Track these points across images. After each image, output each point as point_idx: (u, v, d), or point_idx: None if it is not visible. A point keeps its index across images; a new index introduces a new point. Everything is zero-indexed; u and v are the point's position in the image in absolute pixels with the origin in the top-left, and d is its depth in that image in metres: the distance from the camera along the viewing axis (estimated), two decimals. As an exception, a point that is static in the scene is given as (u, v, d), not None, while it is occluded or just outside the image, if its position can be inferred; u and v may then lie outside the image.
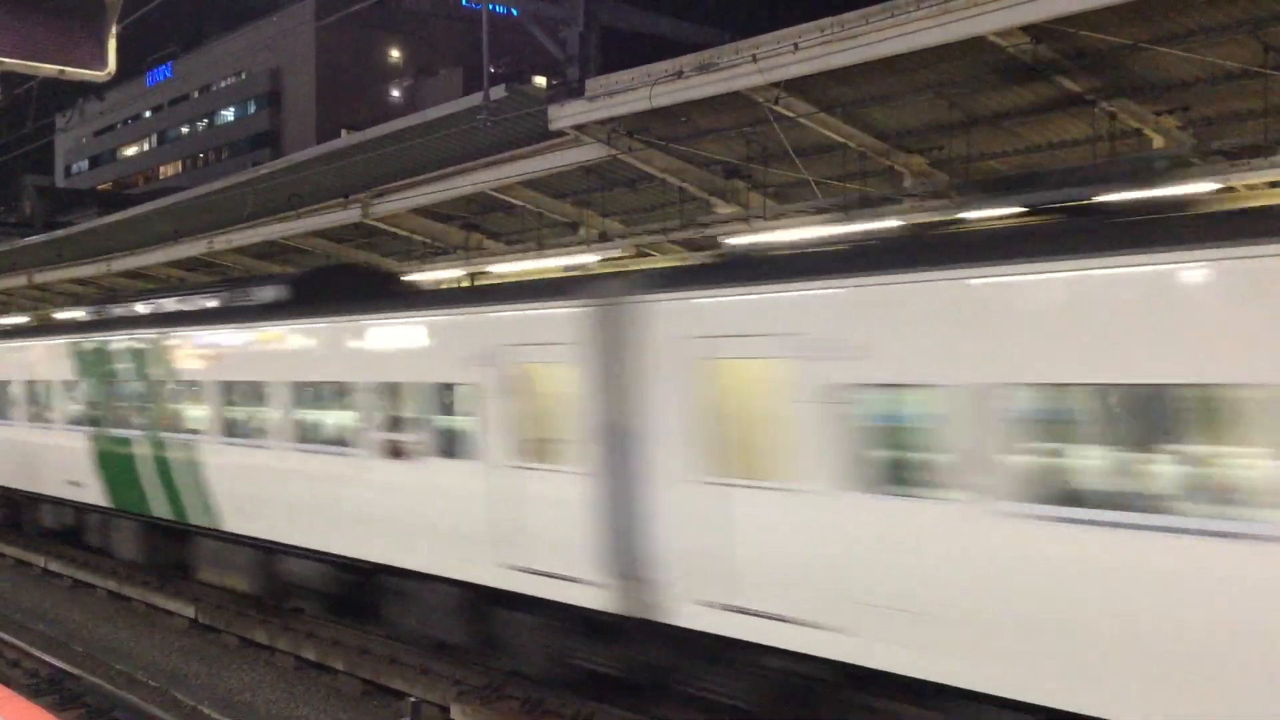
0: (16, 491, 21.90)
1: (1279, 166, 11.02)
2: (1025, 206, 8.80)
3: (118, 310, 19.29)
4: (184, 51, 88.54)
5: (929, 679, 7.89)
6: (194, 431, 15.82)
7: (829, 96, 13.68)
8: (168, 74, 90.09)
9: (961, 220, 12.47)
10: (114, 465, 17.85)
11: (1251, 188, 12.00)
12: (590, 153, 16.22)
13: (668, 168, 16.29)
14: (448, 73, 75.59)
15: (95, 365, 18.35)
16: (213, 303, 16.62)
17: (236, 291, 16.27)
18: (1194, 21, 10.96)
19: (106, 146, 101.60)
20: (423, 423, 11.99)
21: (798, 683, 8.96)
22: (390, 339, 12.53)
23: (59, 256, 31.89)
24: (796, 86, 13.28)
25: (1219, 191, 11.68)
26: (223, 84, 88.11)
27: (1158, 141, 12.63)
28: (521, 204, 19.39)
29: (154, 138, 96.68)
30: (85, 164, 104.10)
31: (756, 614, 8.87)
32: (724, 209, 16.60)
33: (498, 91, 15.96)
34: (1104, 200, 8.24)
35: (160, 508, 16.79)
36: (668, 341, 9.58)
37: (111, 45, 5.71)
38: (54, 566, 20.55)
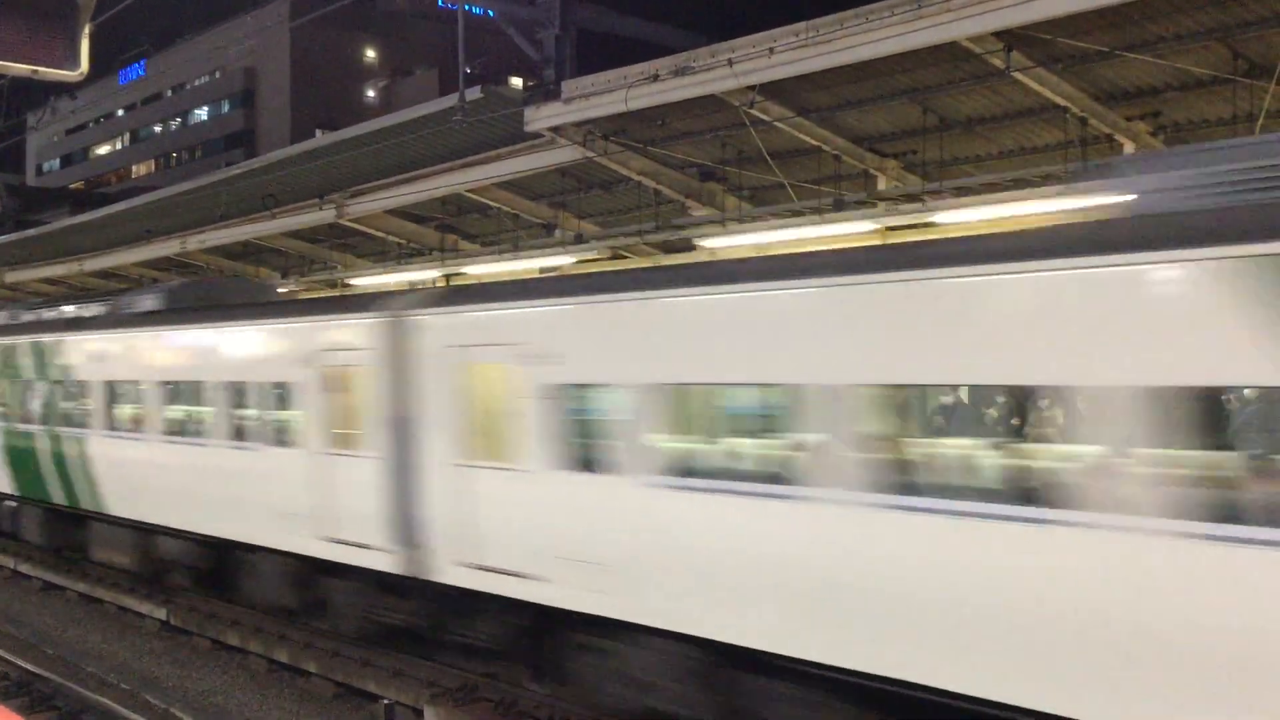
0: None
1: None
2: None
3: None
4: (157, 50, 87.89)
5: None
6: None
7: (804, 100, 13.74)
8: (141, 72, 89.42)
9: (932, 224, 12.69)
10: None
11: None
12: (566, 155, 16.24)
13: (643, 170, 16.32)
14: (423, 73, 75.44)
15: None
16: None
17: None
18: (1164, 28, 11.08)
19: (79, 145, 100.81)
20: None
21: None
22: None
23: (30, 256, 31.66)
24: (772, 90, 13.34)
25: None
26: (197, 83, 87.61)
27: (1129, 147, 12.75)
28: (497, 205, 19.38)
29: (127, 136, 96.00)
30: (57, 163, 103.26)
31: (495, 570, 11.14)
32: (699, 211, 16.64)
33: (473, 93, 15.95)
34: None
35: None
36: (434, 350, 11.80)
37: (84, 45, 5.69)
38: (24, 568, 20.39)
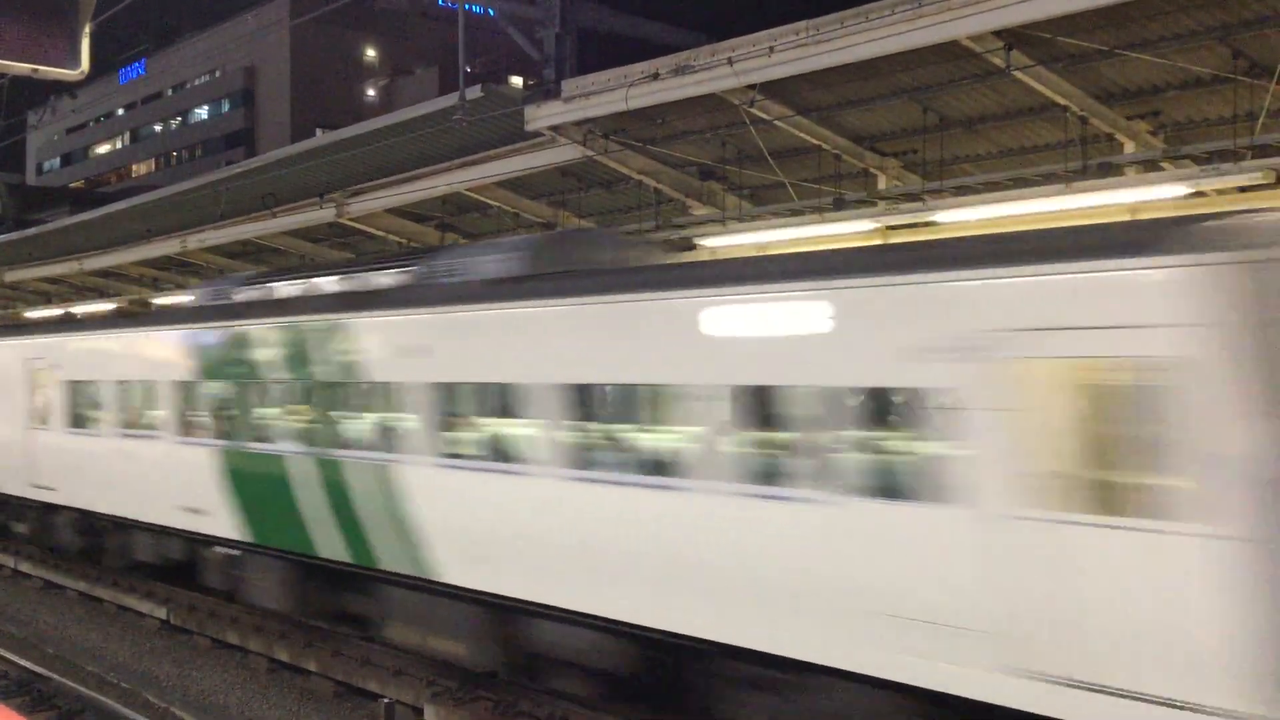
0: None
1: (1248, 172, 11.13)
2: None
3: None
4: (157, 49, 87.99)
5: None
6: None
7: (804, 99, 13.74)
8: (141, 71, 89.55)
9: (932, 223, 12.66)
10: None
11: (1221, 193, 12.13)
12: (566, 154, 16.23)
13: (643, 169, 16.32)
14: (424, 72, 75.46)
15: None
16: None
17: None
18: (1165, 27, 11.08)
19: (79, 144, 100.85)
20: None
21: None
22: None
23: (30, 255, 31.66)
24: (772, 89, 13.33)
25: (1188, 196, 11.81)
26: (196, 82, 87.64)
27: (1129, 146, 12.75)
28: (497, 205, 19.38)
29: (127, 136, 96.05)
30: (57, 162, 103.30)
31: None
32: (699, 210, 16.64)
33: (473, 92, 15.94)
34: None
35: None
36: None
37: (85, 44, 5.69)
38: (25, 568, 20.38)
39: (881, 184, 14.81)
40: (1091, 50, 11.42)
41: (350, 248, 23.75)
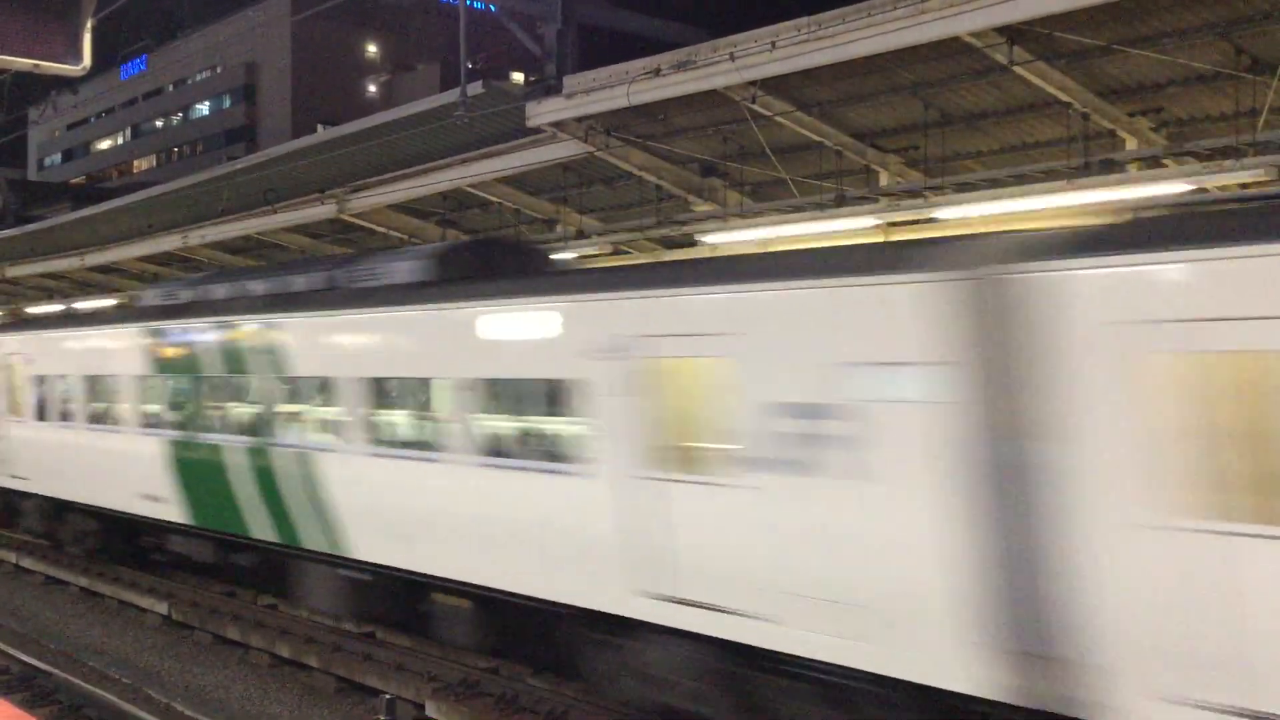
0: None
1: (1250, 168, 11.12)
2: None
3: None
4: (159, 44, 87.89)
5: None
6: None
7: (806, 95, 13.73)
8: (142, 67, 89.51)
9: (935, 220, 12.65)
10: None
11: (1224, 189, 12.11)
12: (567, 150, 16.23)
13: (645, 165, 16.31)
14: (425, 68, 75.48)
15: None
16: None
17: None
18: (1166, 24, 11.06)
19: (80, 140, 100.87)
20: None
21: None
22: None
23: (31, 251, 31.66)
24: (773, 85, 13.33)
25: (1190, 193, 11.79)
26: (198, 77, 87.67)
27: (1131, 143, 12.74)
28: (498, 201, 19.38)
29: (128, 131, 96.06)
30: (58, 157, 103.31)
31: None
32: (701, 207, 16.64)
33: (475, 88, 15.93)
34: None
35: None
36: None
37: (86, 40, 5.69)
38: (26, 563, 20.41)
39: (883, 180, 14.80)
40: (1093, 46, 11.40)
41: (352, 244, 23.76)
